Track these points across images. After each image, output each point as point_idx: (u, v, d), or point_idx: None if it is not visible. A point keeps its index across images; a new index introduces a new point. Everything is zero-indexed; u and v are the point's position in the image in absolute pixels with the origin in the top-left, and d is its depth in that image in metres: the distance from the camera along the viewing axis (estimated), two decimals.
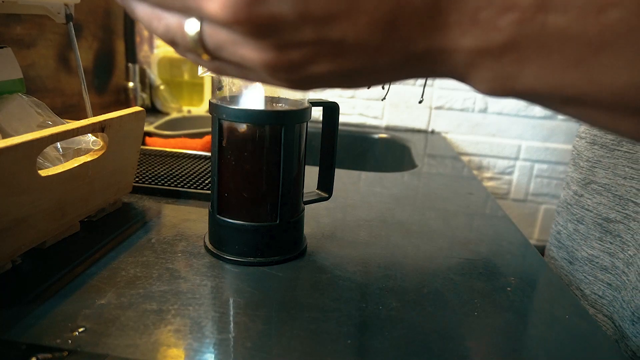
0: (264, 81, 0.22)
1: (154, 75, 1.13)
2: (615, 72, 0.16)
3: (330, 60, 0.19)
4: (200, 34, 0.20)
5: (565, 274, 0.55)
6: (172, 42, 0.21)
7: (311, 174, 0.47)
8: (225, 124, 0.39)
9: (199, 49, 0.20)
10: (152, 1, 0.20)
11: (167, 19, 0.20)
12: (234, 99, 0.40)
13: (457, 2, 0.17)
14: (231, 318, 0.33)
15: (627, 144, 0.47)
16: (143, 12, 0.21)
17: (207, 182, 0.59)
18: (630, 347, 0.42)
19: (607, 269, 0.48)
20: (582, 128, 0.55)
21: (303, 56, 0.19)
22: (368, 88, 0.23)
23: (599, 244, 0.49)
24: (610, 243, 0.48)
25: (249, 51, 0.19)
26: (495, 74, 0.18)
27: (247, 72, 0.21)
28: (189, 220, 0.49)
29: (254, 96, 0.39)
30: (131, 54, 1.03)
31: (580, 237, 0.52)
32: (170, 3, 0.19)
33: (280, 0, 0.17)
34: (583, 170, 0.53)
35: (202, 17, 0.19)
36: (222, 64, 0.21)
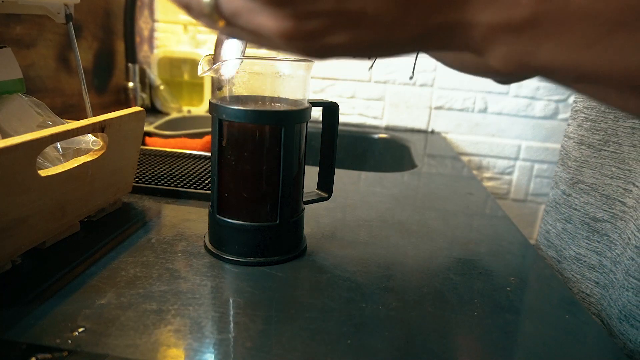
0: (279, 49, 0.22)
1: (153, 75, 1.13)
2: (629, 52, 0.16)
3: (347, 32, 0.19)
4: None
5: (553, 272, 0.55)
6: (186, 7, 0.21)
7: (311, 174, 0.47)
8: (225, 124, 0.39)
9: (214, 15, 0.20)
10: None
11: None
12: (234, 99, 0.40)
13: None
14: (231, 318, 0.33)
15: (614, 145, 0.47)
16: None
17: (207, 182, 0.59)
18: (617, 345, 0.42)
19: (594, 267, 0.48)
20: (571, 128, 0.55)
21: (321, 26, 0.19)
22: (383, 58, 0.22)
23: (587, 243, 0.49)
24: (598, 242, 0.48)
25: (266, 19, 0.19)
26: (512, 49, 0.18)
27: (262, 40, 0.21)
28: (189, 220, 0.49)
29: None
30: (131, 54, 1.03)
31: (568, 236, 0.52)
32: None
33: None
34: (571, 170, 0.53)
35: None
36: (236, 30, 0.21)
